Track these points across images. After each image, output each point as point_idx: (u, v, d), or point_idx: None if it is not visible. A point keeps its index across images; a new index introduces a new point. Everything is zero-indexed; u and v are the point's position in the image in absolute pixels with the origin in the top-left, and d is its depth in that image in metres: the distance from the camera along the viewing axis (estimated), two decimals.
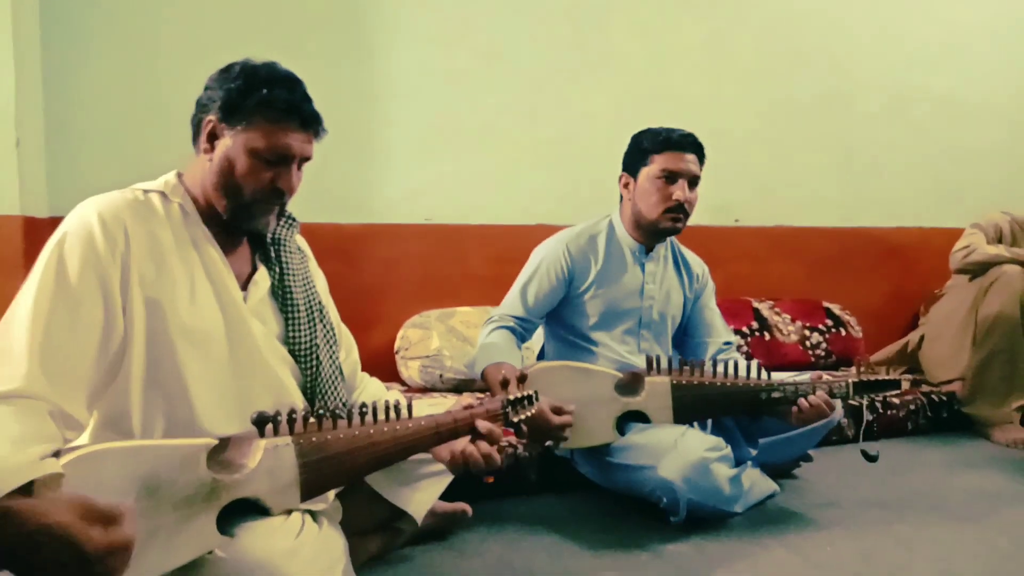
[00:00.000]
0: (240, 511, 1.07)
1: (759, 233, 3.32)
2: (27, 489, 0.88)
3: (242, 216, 1.27)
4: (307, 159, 1.30)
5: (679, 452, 1.80)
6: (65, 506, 0.85)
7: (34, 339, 1.04)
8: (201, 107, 1.27)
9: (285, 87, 1.24)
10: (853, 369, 1.88)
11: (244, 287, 1.30)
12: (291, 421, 1.13)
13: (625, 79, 3.08)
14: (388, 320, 2.77)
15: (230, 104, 1.22)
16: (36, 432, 0.97)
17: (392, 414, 1.25)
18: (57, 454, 0.97)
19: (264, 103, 1.22)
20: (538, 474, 2.12)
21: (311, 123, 1.28)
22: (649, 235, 2.06)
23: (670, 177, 1.96)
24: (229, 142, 1.23)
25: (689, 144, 1.98)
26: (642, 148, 2.00)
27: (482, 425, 1.35)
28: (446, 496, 1.62)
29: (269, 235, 1.36)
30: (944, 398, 2.84)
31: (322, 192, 2.64)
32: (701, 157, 2.00)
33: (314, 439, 1.15)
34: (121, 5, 2.50)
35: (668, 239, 2.13)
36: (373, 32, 2.78)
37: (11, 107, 2.26)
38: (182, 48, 2.53)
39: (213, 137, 1.25)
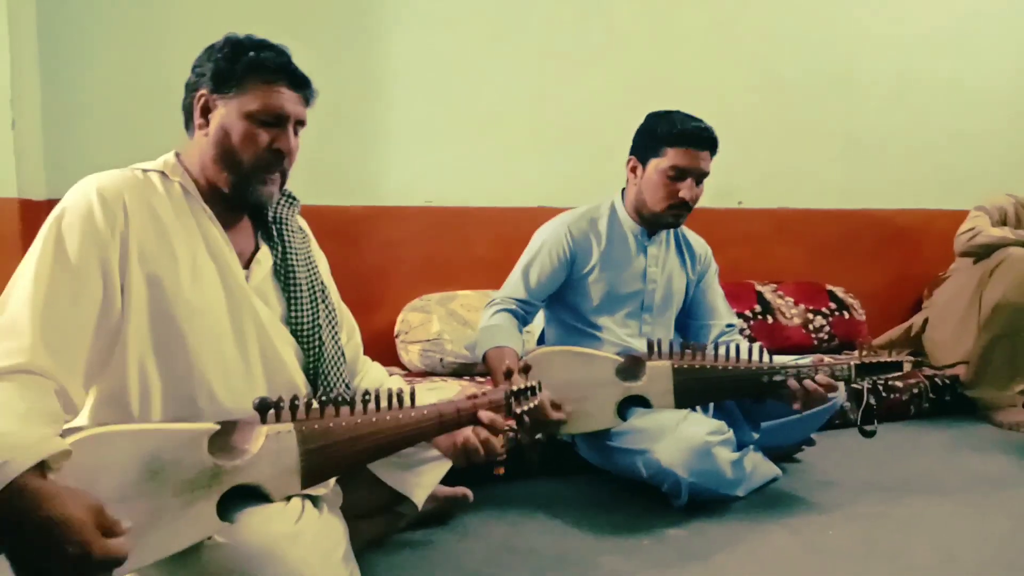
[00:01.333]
0: (241, 497, 1.07)
1: (762, 215, 3.29)
2: (39, 468, 0.88)
3: (244, 187, 1.25)
4: (302, 122, 1.30)
5: (681, 436, 1.79)
6: (83, 503, 0.87)
7: (35, 314, 1.03)
8: (191, 88, 1.28)
9: (272, 50, 1.26)
10: (856, 352, 1.87)
11: (247, 266, 1.29)
12: (293, 407, 1.12)
13: (628, 62, 3.05)
14: (388, 304, 2.76)
15: (220, 73, 1.23)
16: (42, 409, 0.96)
17: (395, 402, 1.23)
18: (61, 434, 0.96)
19: (253, 64, 1.23)
20: (540, 458, 2.12)
21: (302, 84, 1.29)
22: (650, 224, 2.04)
23: (680, 174, 1.92)
24: (223, 111, 1.24)
25: (704, 140, 1.91)
26: (656, 136, 1.94)
27: (484, 415, 1.33)
28: (447, 480, 1.61)
29: (271, 213, 1.35)
30: (947, 381, 2.83)
31: (323, 174, 2.63)
32: (714, 151, 1.95)
33: (316, 426, 1.14)
34: None
35: None
36: (376, 16, 2.75)
37: (7, 88, 2.24)
38: (181, 28, 2.50)
39: (206, 112, 1.25)
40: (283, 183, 1.32)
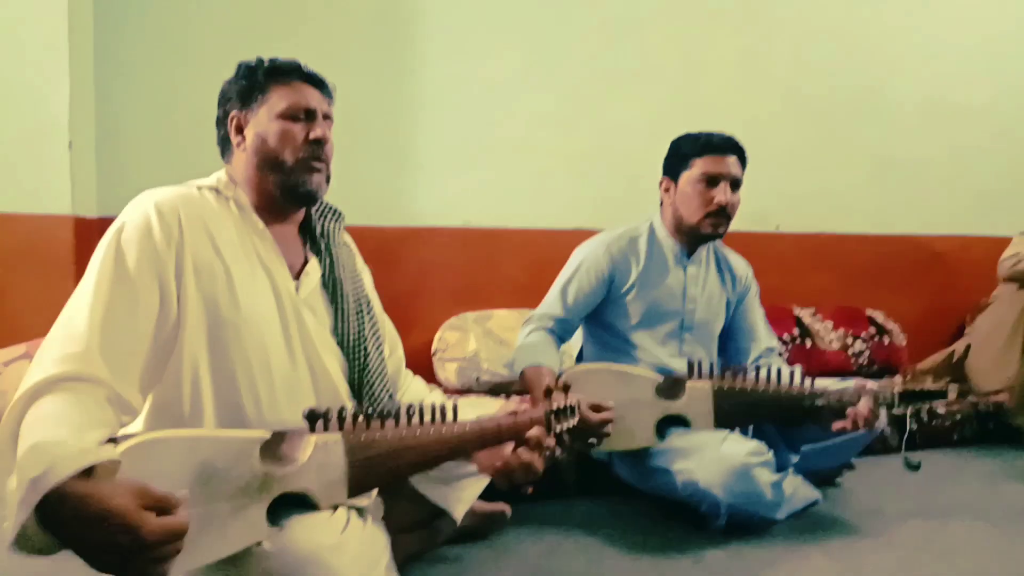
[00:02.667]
0: (289, 505, 1.09)
1: (798, 240, 3.28)
2: (86, 474, 0.90)
3: (292, 184, 1.31)
4: (329, 117, 1.37)
5: (720, 456, 1.78)
6: (124, 491, 0.88)
7: (94, 323, 1.07)
8: (221, 120, 1.36)
9: (284, 60, 1.35)
10: (898, 378, 1.85)
11: (296, 278, 1.33)
12: (341, 418, 1.15)
13: (660, 89, 3.07)
14: (426, 322, 2.78)
15: (243, 90, 1.33)
16: (94, 418, 0.99)
17: (438, 416, 1.25)
18: (114, 440, 0.98)
19: (271, 71, 1.33)
20: (577, 477, 2.11)
21: (319, 83, 1.37)
22: (691, 239, 2.04)
23: (711, 180, 1.95)
24: (255, 121, 1.31)
25: (729, 146, 1.97)
26: (682, 152, 2.00)
27: (531, 432, 1.32)
28: (485, 496, 1.62)
29: (318, 227, 1.39)
30: (991, 409, 2.77)
31: (358, 195, 2.67)
32: (742, 159, 1.99)
33: (363, 437, 1.16)
34: (169, 13, 2.57)
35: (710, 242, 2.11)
36: (411, 39, 2.81)
37: (65, 111, 2.34)
38: (227, 54, 2.56)
39: (240, 130, 1.33)
40: (328, 177, 1.37)
